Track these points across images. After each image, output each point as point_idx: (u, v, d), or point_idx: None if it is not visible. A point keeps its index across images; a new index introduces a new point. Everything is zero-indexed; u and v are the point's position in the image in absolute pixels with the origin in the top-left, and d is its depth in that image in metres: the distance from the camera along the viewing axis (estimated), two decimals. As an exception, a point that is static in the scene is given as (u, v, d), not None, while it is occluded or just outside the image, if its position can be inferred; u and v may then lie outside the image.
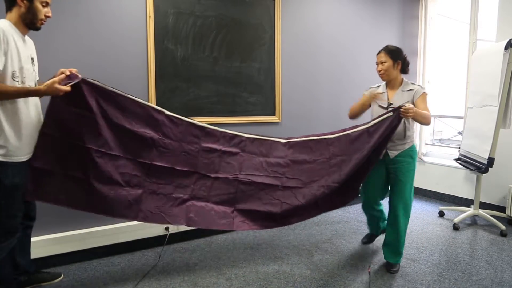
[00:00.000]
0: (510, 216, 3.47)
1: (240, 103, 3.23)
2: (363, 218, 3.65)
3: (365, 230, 3.30)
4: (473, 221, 3.55)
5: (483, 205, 3.65)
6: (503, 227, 3.19)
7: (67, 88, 1.82)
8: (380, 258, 2.69)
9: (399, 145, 2.45)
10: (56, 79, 1.79)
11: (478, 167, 3.23)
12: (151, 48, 2.75)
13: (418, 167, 4.62)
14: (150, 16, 2.73)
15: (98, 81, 2.01)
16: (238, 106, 3.22)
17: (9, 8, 1.78)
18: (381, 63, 2.45)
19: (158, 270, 2.49)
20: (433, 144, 4.65)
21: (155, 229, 2.82)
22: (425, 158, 4.50)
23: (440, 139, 4.94)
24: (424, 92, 2.37)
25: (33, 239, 2.42)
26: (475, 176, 3.51)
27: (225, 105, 3.15)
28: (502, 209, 3.58)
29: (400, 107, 2.24)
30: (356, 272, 2.48)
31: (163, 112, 2.23)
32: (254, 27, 3.25)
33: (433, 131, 4.75)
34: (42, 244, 2.44)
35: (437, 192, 4.33)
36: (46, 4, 1.83)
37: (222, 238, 3.11)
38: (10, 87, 1.71)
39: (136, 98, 2.15)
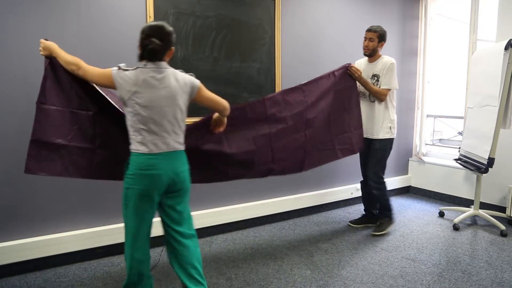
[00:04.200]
0: (510, 216, 3.47)
1: (240, 103, 3.22)
2: (363, 218, 3.65)
3: (365, 231, 3.31)
4: (473, 221, 3.55)
5: (483, 205, 3.65)
6: (503, 227, 3.19)
7: None
8: (380, 258, 2.69)
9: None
10: None
11: (478, 167, 3.23)
12: (151, 48, 2.75)
13: (419, 167, 4.69)
14: (150, 16, 2.73)
15: None
16: (238, 106, 3.22)
17: None
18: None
19: (158, 270, 2.48)
20: (433, 144, 4.65)
21: (155, 229, 2.81)
22: (425, 158, 4.50)
23: (440, 139, 4.94)
24: None
25: (33, 239, 2.44)
26: (475, 176, 3.51)
27: (225, 105, 3.15)
28: (502, 209, 3.58)
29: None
30: (356, 272, 2.48)
31: None
32: (254, 27, 3.25)
33: (433, 131, 4.75)
34: (42, 244, 2.44)
35: (437, 192, 4.33)
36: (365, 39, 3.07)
37: (222, 238, 3.11)
38: None
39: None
